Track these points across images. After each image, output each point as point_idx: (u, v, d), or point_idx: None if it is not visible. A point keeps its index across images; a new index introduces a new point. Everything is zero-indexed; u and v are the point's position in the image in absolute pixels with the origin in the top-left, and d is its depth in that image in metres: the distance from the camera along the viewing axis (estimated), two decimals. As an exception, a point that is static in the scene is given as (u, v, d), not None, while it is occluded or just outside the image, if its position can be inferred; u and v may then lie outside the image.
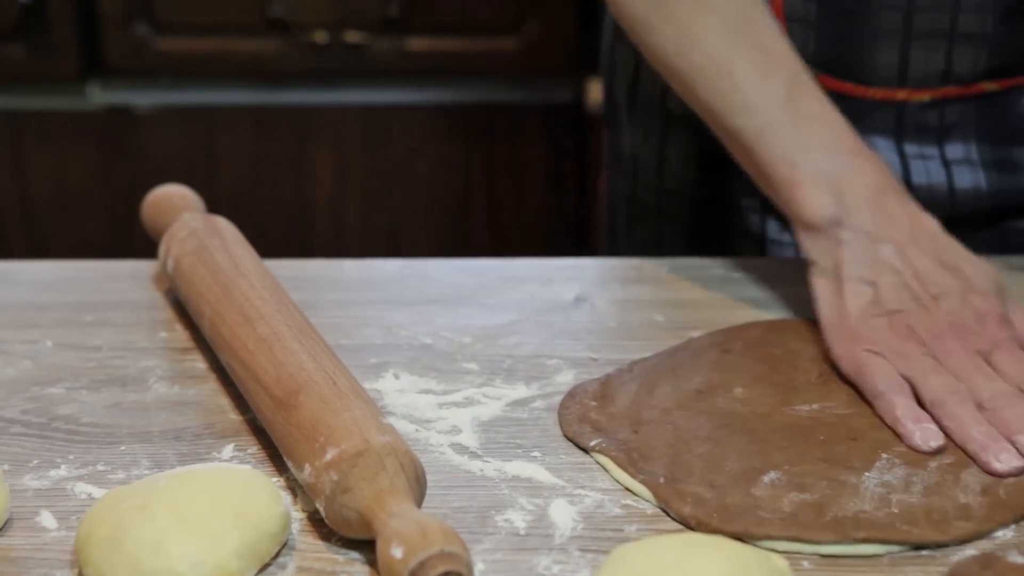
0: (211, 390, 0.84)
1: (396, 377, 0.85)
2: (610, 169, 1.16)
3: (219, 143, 2.05)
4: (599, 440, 0.77)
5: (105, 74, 2.01)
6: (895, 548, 0.69)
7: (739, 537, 0.69)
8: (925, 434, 0.75)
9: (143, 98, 2.03)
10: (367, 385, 0.82)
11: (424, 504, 0.70)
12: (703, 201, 1.08)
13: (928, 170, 1.01)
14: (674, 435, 0.77)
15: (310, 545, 0.70)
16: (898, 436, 0.76)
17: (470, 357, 0.87)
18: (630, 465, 0.75)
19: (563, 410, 0.81)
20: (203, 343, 0.87)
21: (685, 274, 0.98)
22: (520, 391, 0.84)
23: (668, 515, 0.72)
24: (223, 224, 0.92)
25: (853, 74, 0.98)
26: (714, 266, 0.99)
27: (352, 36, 1.98)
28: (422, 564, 0.63)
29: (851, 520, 0.70)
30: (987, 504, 0.71)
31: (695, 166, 1.07)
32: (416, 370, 0.86)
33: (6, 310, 0.94)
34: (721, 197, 1.07)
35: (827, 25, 0.97)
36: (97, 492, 0.74)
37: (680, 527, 0.72)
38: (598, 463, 0.77)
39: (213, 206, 0.97)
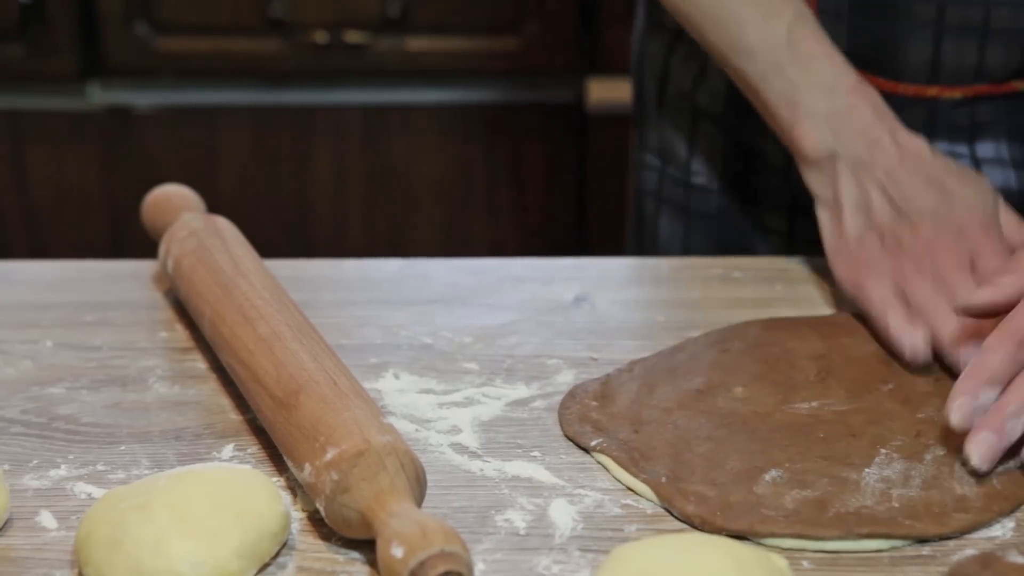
0: (211, 390, 0.84)
1: (396, 377, 0.85)
2: (637, 166, 1.16)
3: (219, 143, 2.05)
4: (600, 440, 0.77)
5: (105, 74, 2.01)
6: (897, 543, 0.69)
7: (743, 535, 0.70)
8: (914, 342, 0.81)
9: (143, 98, 2.03)
10: (367, 385, 0.82)
11: (424, 504, 0.70)
12: (730, 197, 1.08)
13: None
14: (675, 435, 0.78)
15: (310, 545, 0.70)
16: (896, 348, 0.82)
17: (470, 357, 0.87)
18: (632, 465, 0.75)
19: (564, 410, 0.81)
20: (203, 343, 0.87)
21: (685, 274, 0.98)
22: (520, 391, 0.84)
23: (671, 514, 0.72)
24: (223, 224, 0.92)
25: (885, 69, 0.99)
26: (714, 266, 0.99)
27: (352, 36, 1.98)
28: (422, 564, 0.63)
29: (853, 516, 0.70)
30: (984, 495, 0.72)
31: (722, 161, 1.08)
32: (416, 370, 0.86)
33: (6, 310, 0.94)
34: (748, 193, 1.07)
35: (859, 18, 0.98)
36: (97, 492, 0.74)
37: (680, 527, 0.72)
38: (599, 463, 0.77)
39: (213, 206, 0.97)
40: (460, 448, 0.78)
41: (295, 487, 0.74)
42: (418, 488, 0.70)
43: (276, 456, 0.76)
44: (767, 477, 0.73)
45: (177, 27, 1.99)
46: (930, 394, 0.80)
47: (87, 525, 0.68)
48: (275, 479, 0.75)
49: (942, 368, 0.83)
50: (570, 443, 0.79)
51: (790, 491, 0.72)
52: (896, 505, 0.71)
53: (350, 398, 0.73)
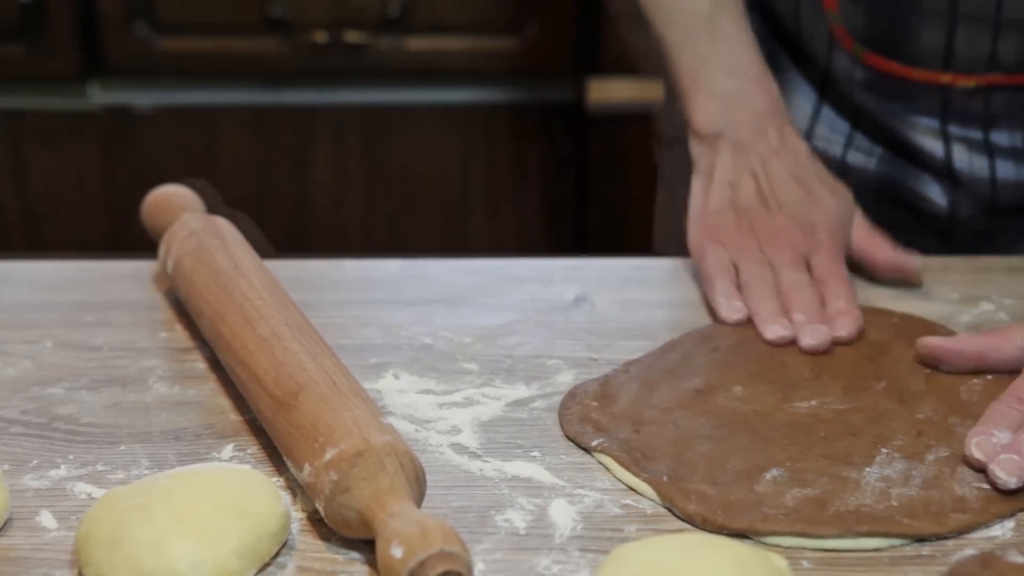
0: (211, 390, 0.84)
1: (396, 377, 0.85)
2: (667, 182, 1.18)
3: (219, 143, 2.05)
4: (601, 440, 0.77)
5: (105, 74, 2.01)
6: (896, 541, 0.70)
7: (744, 533, 0.70)
8: (730, 308, 0.88)
9: (143, 98, 2.03)
10: (367, 385, 0.82)
11: (424, 504, 0.70)
12: None
13: (971, 156, 1.02)
14: (676, 434, 0.78)
15: (310, 545, 0.70)
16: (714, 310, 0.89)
17: (470, 357, 0.87)
18: (633, 464, 0.75)
19: (564, 411, 0.81)
20: (203, 343, 0.87)
21: (685, 274, 0.98)
22: (520, 391, 0.84)
23: (673, 513, 0.72)
24: (223, 224, 0.92)
25: (899, 53, 1.00)
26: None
27: (352, 36, 1.98)
28: (422, 564, 0.63)
29: (853, 514, 0.70)
30: (983, 497, 0.72)
31: None
32: (416, 370, 0.86)
33: (6, 310, 0.94)
34: None
35: (875, 2, 0.99)
36: (97, 492, 0.74)
37: (680, 527, 0.72)
38: (600, 463, 0.77)
39: (212, 206, 0.97)
40: (460, 448, 0.78)
41: (295, 487, 0.74)
42: (418, 488, 0.70)
43: (276, 456, 0.76)
44: (768, 476, 0.73)
45: (177, 27, 1.99)
46: (924, 392, 0.81)
47: (87, 525, 0.68)
48: (275, 479, 0.75)
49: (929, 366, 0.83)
50: (570, 443, 0.79)
51: (791, 490, 0.72)
52: (895, 504, 0.71)
53: (349, 398, 0.73)
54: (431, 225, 2.09)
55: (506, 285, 0.96)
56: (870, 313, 0.89)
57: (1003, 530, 0.71)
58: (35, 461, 0.77)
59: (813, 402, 0.80)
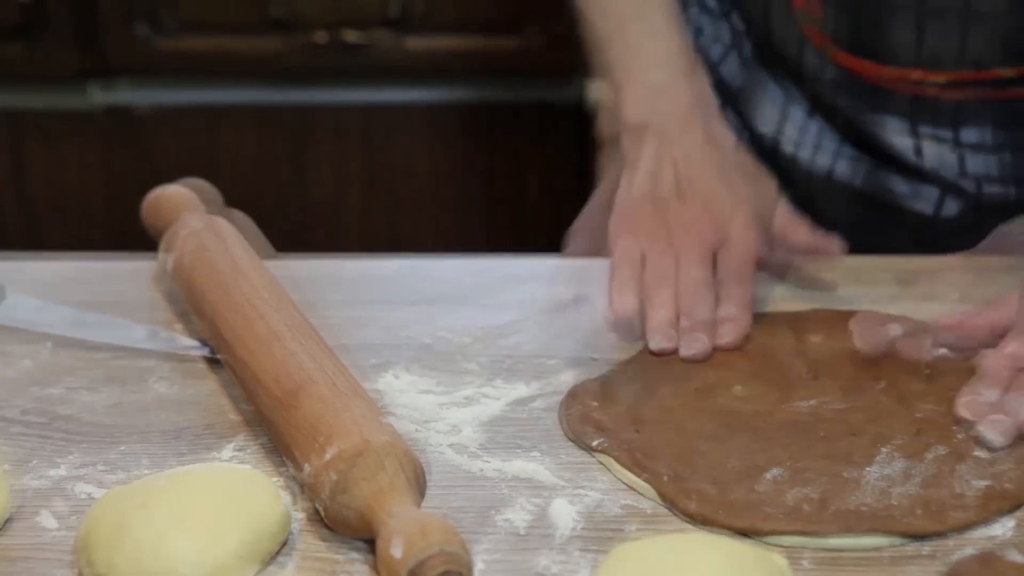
0: (211, 390, 0.84)
1: (396, 377, 0.85)
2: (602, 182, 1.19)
3: (220, 143, 2.05)
4: (602, 440, 0.77)
5: (106, 74, 2.01)
6: (896, 540, 0.70)
7: (745, 532, 0.70)
8: (622, 302, 0.88)
9: (144, 97, 2.03)
10: (367, 385, 0.82)
11: (424, 504, 0.70)
12: None
13: (941, 154, 1.02)
14: (677, 434, 0.78)
15: (310, 544, 0.70)
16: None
17: (470, 357, 0.87)
18: (634, 464, 0.75)
19: (565, 411, 0.81)
20: (213, 338, 0.87)
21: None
22: (520, 391, 0.84)
23: (673, 513, 0.72)
24: (223, 224, 0.92)
25: (870, 51, 1.00)
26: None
27: (352, 36, 1.98)
28: (421, 563, 0.63)
29: (853, 513, 0.70)
30: (983, 494, 0.72)
31: None
32: (416, 370, 0.86)
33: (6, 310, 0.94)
34: None
35: (847, 3, 0.99)
36: (97, 492, 0.74)
37: (680, 526, 0.72)
38: (601, 463, 0.77)
39: (212, 206, 0.97)
40: (460, 448, 0.78)
41: (295, 486, 0.74)
42: (417, 487, 0.70)
43: (276, 456, 0.76)
44: (769, 475, 0.74)
45: (178, 27, 1.99)
46: (924, 392, 0.81)
47: (87, 525, 0.68)
48: (275, 479, 0.75)
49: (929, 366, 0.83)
50: (570, 443, 0.79)
51: (791, 489, 0.72)
52: (896, 502, 0.71)
53: (349, 398, 0.73)
54: (430, 224, 2.10)
55: (506, 285, 0.96)
56: (848, 313, 0.89)
57: (1003, 529, 0.71)
58: (35, 461, 0.77)
59: (813, 402, 0.80)
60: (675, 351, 0.85)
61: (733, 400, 0.81)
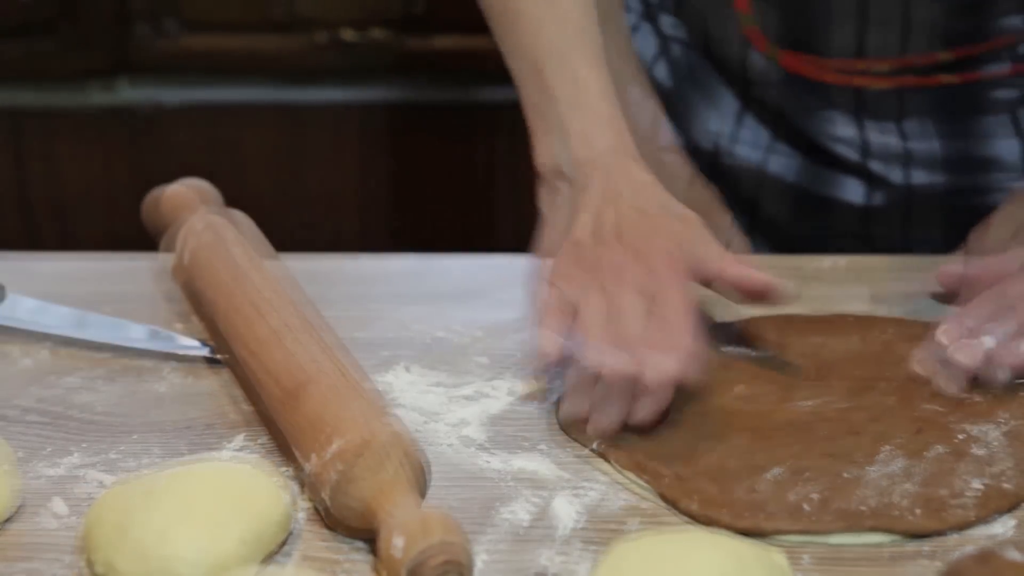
0: (223, 381, 0.85)
1: (407, 370, 0.86)
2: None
3: (244, 139, 2.06)
4: (601, 441, 0.77)
5: (134, 71, 2.02)
6: (897, 538, 0.70)
7: (749, 533, 0.70)
8: (547, 341, 0.79)
9: (171, 94, 2.04)
10: (378, 378, 0.83)
11: (429, 496, 0.71)
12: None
13: (887, 151, 1.03)
14: (678, 434, 0.78)
15: (315, 535, 0.71)
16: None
17: (481, 351, 0.88)
18: (635, 466, 0.75)
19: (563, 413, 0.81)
20: (218, 335, 0.88)
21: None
22: (529, 385, 0.84)
23: (676, 509, 0.73)
24: (240, 218, 0.93)
25: (812, 49, 1.00)
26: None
27: (377, 33, 1.99)
28: (422, 554, 0.64)
29: (855, 511, 0.71)
30: (984, 492, 0.72)
31: None
32: (427, 364, 0.86)
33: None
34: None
35: (788, 3, 0.99)
36: (108, 480, 0.75)
37: (682, 523, 0.72)
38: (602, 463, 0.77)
39: (237, 201, 0.98)
40: (467, 441, 0.79)
41: (302, 478, 0.75)
42: (422, 480, 0.70)
43: (285, 447, 0.77)
44: (770, 475, 0.74)
45: (205, 25, 2.00)
46: (931, 394, 0.81)
47: (95, 513, 0.69)
48: (283, 470, 0.76)
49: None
50: (573, 440, 0.79)
51: (793, 488, 0.72)
52: (897, 500, 0.71)
53: (357, 390, 0.74)
54: (453, 221, 2.10)
55: (518, 280, 0.97)
56: (870, 317, 0.89)
57: (1004, 528, 0.71)
58: (49, 449, 0.78)
59: (815, 401, 0.80)
60: (632, 375, 0.76)
61: (734, 400, 0.81)
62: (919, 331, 0.86)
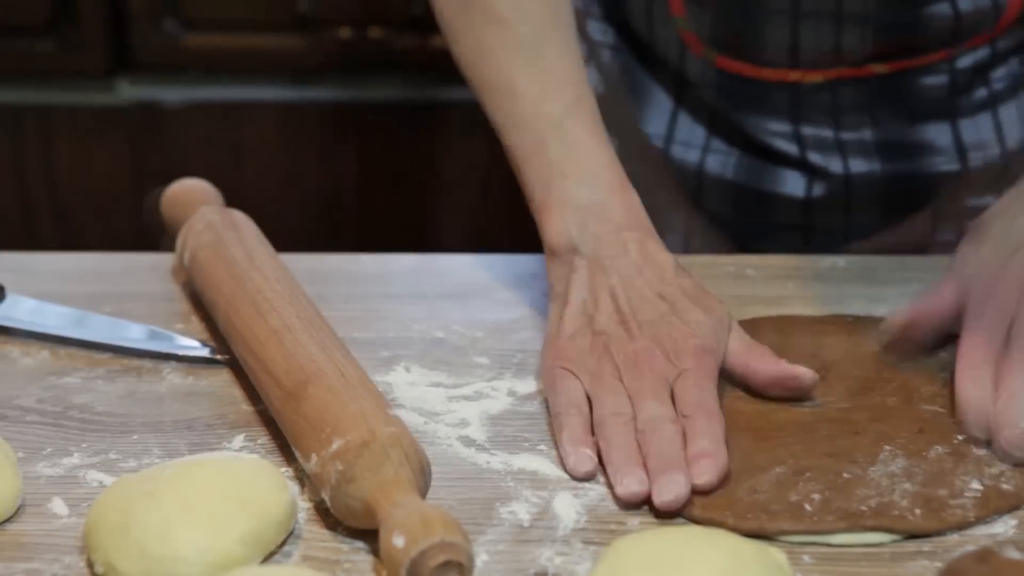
0: (224, 381, 0.85)
1: (407, 370, 0.86)
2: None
3: (245, 138, 2.06)
4: None
5: (133, 70, 2.03)
6: (898, 537, 0.70)
7: (752, 534, 0.70)
8: (578, 459, 0.75)
9: (171, 93, 2.04)
10: (378, 378, 0.83)
11: (430, 495, 0.71)
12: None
13: (824, 150, 1.04)
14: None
15: (316, 534, 0.71)
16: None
17: (481, 351, 0.88)
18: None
19: None
20: (218, 335, 0.88)
21: (696, 272, 0.98)
22: (530, 385, 0.84)
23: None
24: (240, 217, 0.93)
25: (747, 54, 1.00)
26: (726, 263, 0.99)
27: (377, 32, 1.99)
28: (423, 553, 0.64)
29: (856, 511, 0.71)
30: (984, 492, 0.72)
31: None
32: (427, 363, 0.87)
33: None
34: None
35: (720, 5, 0.99)
36: (109, 480, 0.75)
37: (683, 521, 0.72)
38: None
39: (239, 201, 0.98)
40: (468, 441, 0.79)
41: (303, 477, 0.75)
42: (423, 479, 0.70)
43: (285, 446, 0.77)
44: (771, 476, 0.74)
45: (204, 23, 2.00)
46: (934, 395, 0.81)
47: (96, 512, 0.69)
48: (284, 469, 0.76)
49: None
50: (575, 437, 0.79)
51: (795, 488, 0.73)
52: (898, 500, 0.71)
53: (358, 390, 0.74)
54: (454, 221, 2.10)
55: (519, 280, 0.97)
56: (870, 317, 0.89)
57: (1005, 527, 0.71)
58: (49, 449, 0.78)
59: (817, 401, 0.81)
60: (647, 496, 0.73)
61: (736, 400, 0.81)
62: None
